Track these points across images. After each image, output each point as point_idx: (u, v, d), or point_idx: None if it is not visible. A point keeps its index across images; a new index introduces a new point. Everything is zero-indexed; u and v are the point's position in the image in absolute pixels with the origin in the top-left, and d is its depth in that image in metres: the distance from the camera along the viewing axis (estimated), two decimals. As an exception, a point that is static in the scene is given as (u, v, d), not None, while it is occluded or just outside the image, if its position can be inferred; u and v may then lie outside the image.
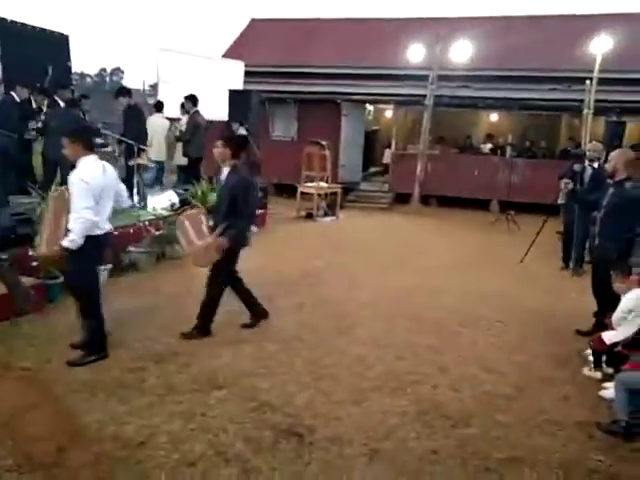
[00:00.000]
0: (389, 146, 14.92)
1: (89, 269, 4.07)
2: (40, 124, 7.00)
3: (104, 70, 28.39)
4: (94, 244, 3.90)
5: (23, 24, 9.81)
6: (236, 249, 4.65)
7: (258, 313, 5.03)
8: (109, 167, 4.08)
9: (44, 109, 7.77)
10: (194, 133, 9.05)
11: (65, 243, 3.77)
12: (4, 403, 3.43)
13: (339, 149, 13.74)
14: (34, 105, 7.69)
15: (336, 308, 5.61)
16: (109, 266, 5.89)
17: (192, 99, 9.10)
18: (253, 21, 17.42)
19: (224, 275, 4.71)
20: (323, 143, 11.52)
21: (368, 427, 3.40)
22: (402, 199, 13.53)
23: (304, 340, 4.72)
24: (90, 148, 3.98)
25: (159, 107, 10.13)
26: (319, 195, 11.18)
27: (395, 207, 13.40)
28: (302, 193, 11.29)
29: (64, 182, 4.28)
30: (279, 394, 3.73)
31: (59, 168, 6.62)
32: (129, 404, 3.49)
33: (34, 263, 5.15)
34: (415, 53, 12.87)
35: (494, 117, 15.37)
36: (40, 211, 5.34)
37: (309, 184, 11.45)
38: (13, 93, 7.52)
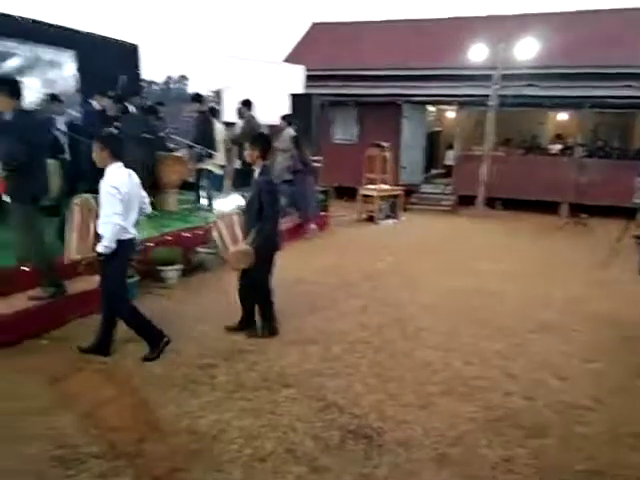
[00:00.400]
0: (451, 147, 14.67)
1: (120, 272, 4.15)
2: (116, 131, 7.34)
3: (170, 78, 29.54)
4: (123, 248, 4.01)
5: (96, 35, 10.37)
6: (268, 253, 4.64)
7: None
8: (134, 174, 4.17)
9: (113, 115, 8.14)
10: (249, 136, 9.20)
11: (100, 249, 3.88)
12: (87, 395, 3.62)
13: (400, 151, 13.66)
14: (107, 112, 8.06)
15: (399, 311, 5.58)
16: (178, 266, 6.12)
17: (247, 104, 9.28)
18: (314, 25, 17.61)
19: (262, 278, 4.71)
20: (384, 145, 11.48)
21: (437, 432, 3.36)
22: (466, 201, 13.26)
23: (368, 342, 4.72)
24: (117, 155, 4.06)
25: (214, 113, 10.37)
26: (380, 197, 11.14)
27: (459, 210, 13.17)
28: (363, 196, 11.29)
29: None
30: (346, 395, 3.75)
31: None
32: (201, 399, 3.61)
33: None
34: (478, 52, 12.59)
35: (563, 116, 14.79)
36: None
37: (370, 186, 11.43)
38: (93, 101, 7.93)
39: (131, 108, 8.36)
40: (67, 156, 7.28)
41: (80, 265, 4.30)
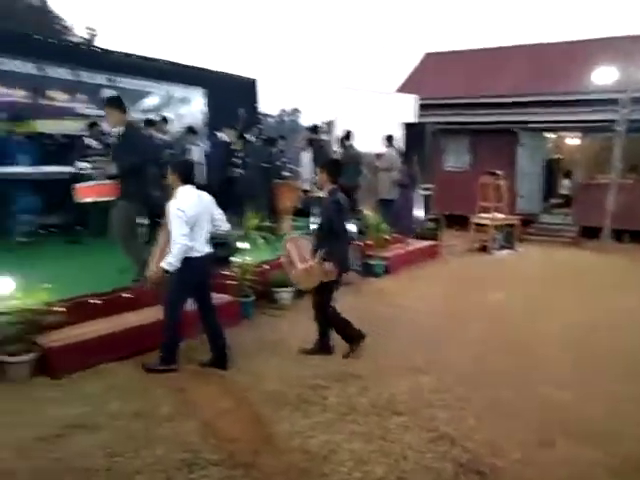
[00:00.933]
0: (567, 176, 13.88)
1: (180, 288, 4.33)
2: (239, 161, 7.87)
3: (283, 110, 31.03)
4: (191, 266, 4.22)
5: (220, 72, 11.25)
6: (338, 274, 4.69)
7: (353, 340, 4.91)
8: (205, 195, 4.42)
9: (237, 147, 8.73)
10: (348, 164, 9.43)
11: (163, 264, 4.15)
12: (207, 405, 3.85)
13: (515, 179, 13.15)
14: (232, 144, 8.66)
15: (515, 344, 5.33)
16: (292, 288, 6.35)
17: (347, 134, 9.58)
18: (427, 55, 17.70)
19: (326, 299, 4.78)
20: (499, 173, 11.15)
21: (558, 475, 3.15)
22: (589, 233, 12.40)
23: (483, 375, 4.55)
24: (185, 180, 4.32)
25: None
26: (494, 227, 10.77)
27: (581, 242, 12.33)
28: (476, 224, 10.99)
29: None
30: (458, 427, 3.64)
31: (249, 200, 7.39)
32: (312, 419, 3.68)
33: (230, 282, 5.77)
34: (602, 75, 11.90)
35: None
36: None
37: (483, 215, 11.11)
38: (220, 134, 8.53)
39: (251, 139, 8.93)
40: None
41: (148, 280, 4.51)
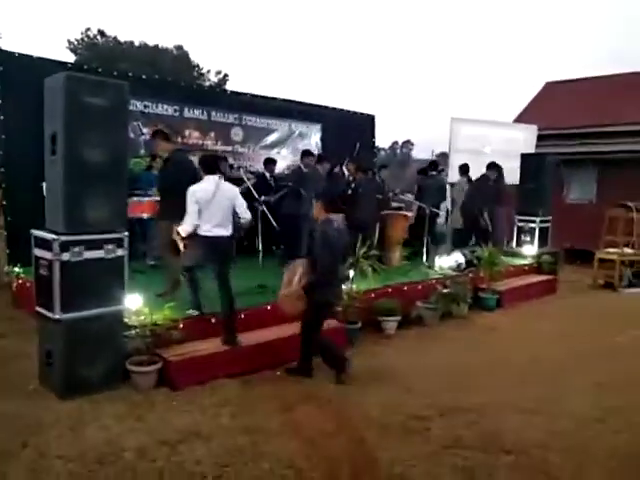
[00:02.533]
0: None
1: (193, 256, 4.97)
2: (350, 191, 8.02)
3: (396, 143, 31.17)
4: (199, 242, 4.90)
5: (338, 109, 11.64)
6: (319, 302, 4.73)
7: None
8: (225, 185, 5.00)
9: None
10: (431, 191, 9.30)
11: (180, 229, 4.91)
12: (311, 425, 3.90)
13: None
14: (346, 175, 8.84)
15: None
16: (398, 317, 6.28)
17: (433, 164, 9.71)
18: (547, 84, 16.91)
19: (311, 326, 4.81)
20: (631, 205, 10.22)
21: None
22: None
23: (604, 422, 4.13)
24: (208, 171, 4.97)
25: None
26: (622, 262, 9.84)
27: None
28: (601, 260, 10.11)
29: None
30: (574, 475, 3.34)
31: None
32: (414, 448, 3.59)
33: (338, 308, 5.85)
34: None
35: None
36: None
37: (610, 250, 10.20)
38: (338, 167, 8.68)
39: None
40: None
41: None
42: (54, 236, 4.05)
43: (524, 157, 10.52)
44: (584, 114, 14.07)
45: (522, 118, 14.90)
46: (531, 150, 11.60)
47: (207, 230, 4.89)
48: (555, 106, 14.99)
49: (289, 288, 4.80)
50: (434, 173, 9.54)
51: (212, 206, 4.87)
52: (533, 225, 10.01)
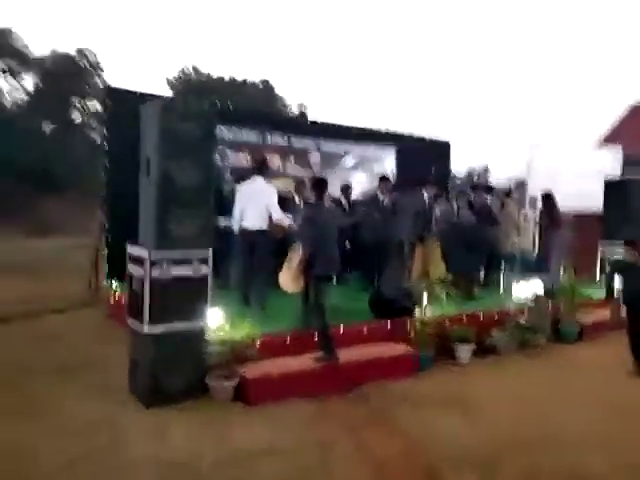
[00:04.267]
0: None
1: (236, 244, 6.25)
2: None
3: (472, 169, 30.34)
4: (240, 232, 6.09)
5: (413, 136, 11.55)
6: (318, 275, 5.02)
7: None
8: (259, 185, 6.15)
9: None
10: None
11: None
12: (380, 449, 3.79)
13: None
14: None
15: None
16: (472, 346, 6.01)
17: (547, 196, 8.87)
18: (633, 107, 15.91)
19: (317, 301, 5.03)
20: None
21: None
22: None
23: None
24: (255, 172, 6.28)
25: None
26: None
27: None
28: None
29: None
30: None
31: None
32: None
33: (411, 333, 5.71)
34: None
35: None
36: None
37: None
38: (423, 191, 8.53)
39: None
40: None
41: None
42: (146, 251, 4.26)
43: (607, 183, 9.87)
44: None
45: (606, 141, 14.08)
46: (617, 174, 10.87)
47: (245, 222, 6.14)
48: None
49: (289, 267, 5.20)
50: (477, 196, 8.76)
51: (247, 202, 6.11)
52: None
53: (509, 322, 6.60)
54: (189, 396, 4.42)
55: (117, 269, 6.50)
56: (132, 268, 4.52)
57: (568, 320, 7.26)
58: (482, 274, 8.59)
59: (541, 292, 7.68)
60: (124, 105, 7.21)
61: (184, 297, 4.40)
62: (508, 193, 9.36)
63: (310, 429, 4.07)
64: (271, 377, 4.64)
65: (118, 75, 48.24)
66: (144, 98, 7.47)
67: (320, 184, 5.38)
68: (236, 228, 6.20)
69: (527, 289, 7.78)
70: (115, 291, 6.90)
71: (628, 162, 11.79)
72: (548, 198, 8.57)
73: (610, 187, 9.78)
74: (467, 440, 3.98)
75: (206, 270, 4.53)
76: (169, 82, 31.32)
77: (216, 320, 4.84)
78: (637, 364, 5.77)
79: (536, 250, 9.06)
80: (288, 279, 5.21)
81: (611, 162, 11.52)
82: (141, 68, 56.12)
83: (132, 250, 4.54)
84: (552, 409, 4.67)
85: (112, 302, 6.96)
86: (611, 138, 14.30)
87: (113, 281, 7.05)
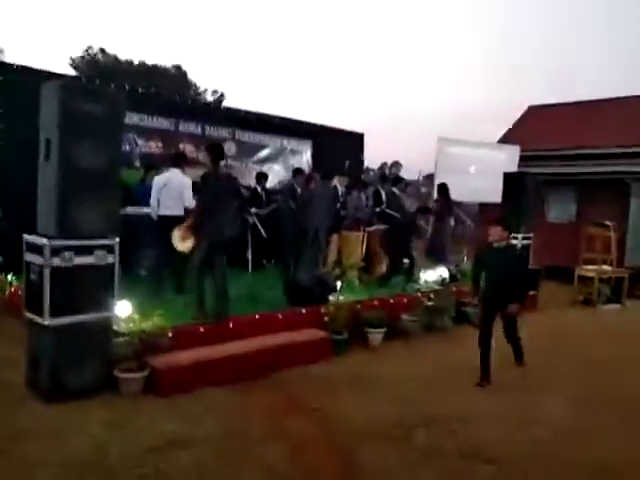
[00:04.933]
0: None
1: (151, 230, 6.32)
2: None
3: (385, 164, 31.28)
4: (160, 218, 6.15)
5: (329, 127, 11.69)
6: (203, 239, 5.23)
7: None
8: (177, 178, 6.23)
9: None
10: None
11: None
12: (294, 434, 3.82)
13: (625, 231, 12.07)
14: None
15: (625, 406, 4.74)
16: (384, 329, 6.22)
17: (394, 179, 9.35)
18: (531, 108, 17.14)
19: (194, 264, 5.31)
20: (608, 224, 10.31)
21: None
22: None
23: (578, 433, 4.09)
24: (175, 164, 6.35)
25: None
26: (601, 279, 9.88)
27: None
28: (580, 277, 10.15)
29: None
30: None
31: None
32: (396, 458, 3.52)
33: (325, 319, 5.80)
34: None
35: None
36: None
37: (589, 267, 10.25)
38: (333, 181, 8.67)
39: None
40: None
41: None
42: (45, 240, 3.97)
43: (506, 176, 10.55)
44: (565, 137, 14.26)
45: (506, 140, 15.05)
46: (513, 170, 11.66)
47: (161, 211, 6.25)
48: (538, 128, 15.19)
49: (180, 228, 5.52)
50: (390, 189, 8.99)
51: (163, 193, 6.26)
52: (515, 242, 9.96)
53: (417, 306, 6.90)
54: (95, 390, 4.18)
55: (12, 260, 6.00)
56: (30, 257, 4.18)
57: (470, 303, 7.71)
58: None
59: (446, 276, 8.14)
60: (21, 83, 6.66)
61: (88, 287, 4.14)
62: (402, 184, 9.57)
63: (223, 418, 4.00)
64: (182, 367, 4.51)
65: (15, 51, 44.37)
66: (41, 75, 6.98)
67: (214, 149, 5.41)
68: (154, 216, 6.26)
69: (434, 275, 8.20)
70: (10, 283, 6.38)
71: (524, 158, 12.70)
72: (442, 188, 9.12)
73: (508, 179, 10.45)
74: (381, 419, 4.12)
75: (112, 259, 4.30)
76: (73, 61, 29.25)
77: (125, 310, 4.63)
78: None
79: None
80: (176, 237, 5.54)
81: (510, 158, 12.35)
82: (41, 45, 51.93)
83: (30, 238, 4.20)
84: (460, 385, 4.96)
85: (6, 295, 6.43)
86: (511, 136, 15.31)
87: (8, 275, 6.51)
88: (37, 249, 4.05)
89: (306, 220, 7.40)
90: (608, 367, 5.91)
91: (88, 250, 4.13)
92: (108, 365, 4.29)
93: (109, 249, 4.27)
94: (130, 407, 4.07)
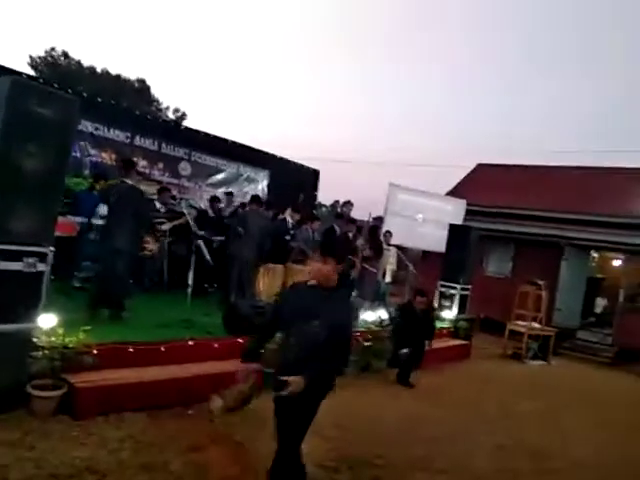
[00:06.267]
0: (600, 294, 13.38)
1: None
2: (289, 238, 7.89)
3: (337, 202, 31.59)
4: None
5: (285, 159, 11.75)
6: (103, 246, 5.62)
7: None
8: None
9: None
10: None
11: None
12: (215, 468, 3.63)
13: (556, 292, 12.66)
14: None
15: (541, 459, 4.83)
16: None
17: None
18: (479, 165, 17.94)
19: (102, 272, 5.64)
20: (540, 283, 10.77)
21: None
22: (631, 356, 11.53)
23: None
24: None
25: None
26: (530, 336, 10.23)
27: (620, 364, 11.46)
28: (511, 331, 10.48)
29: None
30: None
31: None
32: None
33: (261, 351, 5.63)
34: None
35: None
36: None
37: (520, 323, 10.62)
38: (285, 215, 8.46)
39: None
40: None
41: None
42: (-31, 241, 3.69)
43: (452, 227, 10.91)
44: (507, 196, 14.96)
45: (454, 193, 15.62)
46: (459, 222, 12.08)
47: None
48: (484, 186, 15.89)
49: None
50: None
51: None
52: (454, 292, 10.21)
53: (357, 346, 6.85)
54: (5, 408, 3.84)
55: None
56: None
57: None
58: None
59: (385, 318, 8.19)
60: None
61: (10, 295, 3.86)
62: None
63: (141, 447, 3.75)
64: (103, 387, 4.23)
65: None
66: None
67: (126, 163, 5.96)
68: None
69: (374, 315, 8.23)
70: None
71: (468, 212, 13.20)
72: (374, 230, 9.34)
73: (453, 230, 10.79)
74: (306, 458, 3.97)
75: (43, 267, 4.04)
76: (32, 60, 28.26)
77: (49, 323, 4.33)
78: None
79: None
80: None
81: (456, 210, 12.80)
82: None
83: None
84: (390, 429, 4.92)
85: None
86: (459, 190, 15.92)
87: None
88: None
89: (247, 248, 7.23)
90: (527, 417, 6.05)
91: (16, 256, 3.87)
92: (21, 381, 3.97)
93: (41, 257, 4.01)
94: (40, 428, 3.75)
